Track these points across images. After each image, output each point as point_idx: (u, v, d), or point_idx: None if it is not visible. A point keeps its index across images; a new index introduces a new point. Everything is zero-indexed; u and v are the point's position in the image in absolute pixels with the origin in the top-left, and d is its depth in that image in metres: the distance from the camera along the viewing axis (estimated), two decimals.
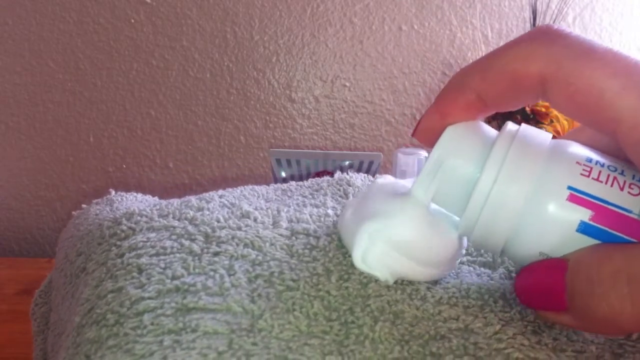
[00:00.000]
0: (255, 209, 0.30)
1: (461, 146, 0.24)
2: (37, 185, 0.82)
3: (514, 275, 0.28)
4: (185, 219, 0.28)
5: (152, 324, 0.21)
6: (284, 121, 0.83)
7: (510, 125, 0.24)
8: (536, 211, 0.23)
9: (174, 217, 0.28)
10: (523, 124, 0.24)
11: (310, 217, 0.30)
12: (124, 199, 0.34)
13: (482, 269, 0.28)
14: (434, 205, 0.26)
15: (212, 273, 0.24)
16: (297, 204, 0.31)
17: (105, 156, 0.82)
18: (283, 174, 0.78)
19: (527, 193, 0.23)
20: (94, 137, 0.81)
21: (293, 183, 0.34)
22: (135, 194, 0.36)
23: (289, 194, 0.33)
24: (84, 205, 0.35)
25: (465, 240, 0.28)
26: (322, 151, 0.83)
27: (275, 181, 0.79)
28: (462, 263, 0.29)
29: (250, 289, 0.24)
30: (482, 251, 0.29)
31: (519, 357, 0.22)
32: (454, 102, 0.24)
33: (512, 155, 0.23)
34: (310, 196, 0.32)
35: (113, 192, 0.35)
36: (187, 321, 0.21)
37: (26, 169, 0.81)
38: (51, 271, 0.37)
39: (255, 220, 0.29)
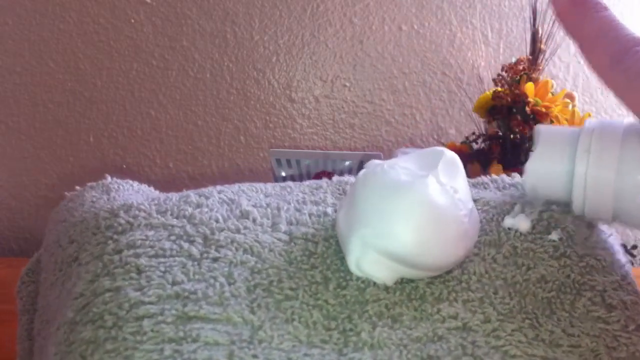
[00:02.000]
0: (255, 206, 0.30)
1: (551, 156, 0.30)
2: (37, 185, 0.82)
3: (519, 251, 0.28)
4: (184, 217, 0.28)
5: (152, 330, 0.21)
6: (284, 121, 0.83)
7: (588, 123, 0.30)
8: (628, 179, 0.28)
9: (172, 215, 0.28)
10: (599, 119, 0.31)
11: (310, 217, 0.29)
12: (121, 187, 0.34)
13: (487, 248, 0.28)
14: (441, 192, 0.25)
15: (212, 281, 0.24)
16: (297, 201, 0.31)
17: (105, 156, 0.82)
18: (283, 174, 0.78)
19: (615, 169, 0.28)
20: (94, 137, 0.81)
21: (291, 183, 0.34)
22: (131, 182, 0.35)
23: (288, 189, 0.33)
24: (77, 187, 0.34)
25: (477, 229, 0.27)
26: (322, 151, 0.83)
27: (276, 181, 0.79)
28: None
29: (249, 299, 0.24)
30: (488, 229, 0.29)
31: (516, 354, 0.22)
32: None
33: (594, 145, 0.28)
34: (310, 193, 0.32)
35: (109, 178, 0.34)
36: (187, 330, 0.21)
37: (26, 169, 0.81)
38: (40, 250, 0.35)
39: (254, 221, 0.28)
